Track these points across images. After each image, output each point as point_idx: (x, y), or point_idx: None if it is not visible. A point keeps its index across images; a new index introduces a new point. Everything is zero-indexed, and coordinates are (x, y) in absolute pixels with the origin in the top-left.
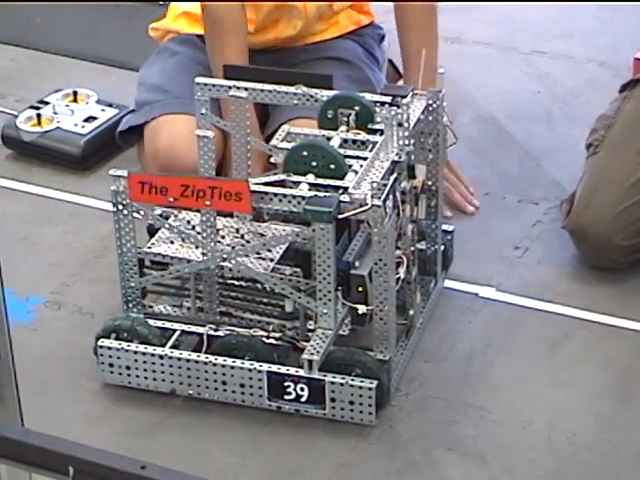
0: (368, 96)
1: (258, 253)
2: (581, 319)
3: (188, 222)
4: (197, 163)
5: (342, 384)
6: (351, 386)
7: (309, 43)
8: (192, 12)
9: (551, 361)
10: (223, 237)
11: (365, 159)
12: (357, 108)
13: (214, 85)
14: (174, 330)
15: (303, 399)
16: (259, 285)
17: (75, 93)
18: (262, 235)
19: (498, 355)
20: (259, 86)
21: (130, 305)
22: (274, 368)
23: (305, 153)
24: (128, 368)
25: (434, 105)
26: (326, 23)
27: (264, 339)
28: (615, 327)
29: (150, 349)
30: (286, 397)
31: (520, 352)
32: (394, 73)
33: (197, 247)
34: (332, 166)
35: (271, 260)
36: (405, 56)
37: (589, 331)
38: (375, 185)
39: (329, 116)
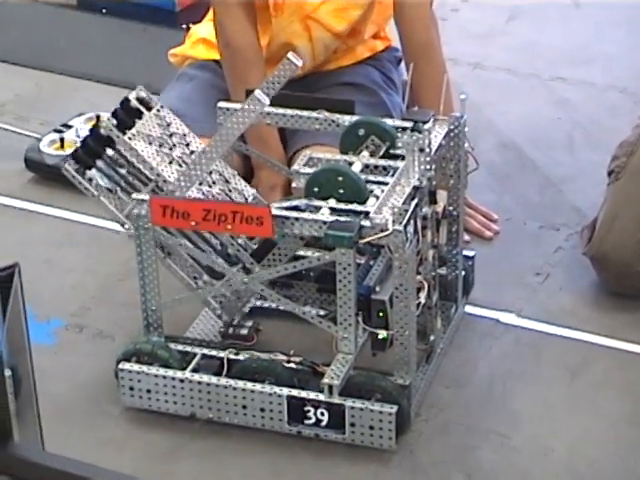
0: (390, 121)
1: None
2: (602, 346)
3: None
4: None
5: (362, 409)
6: (371, 411)
7: (324, 71)
8: (209, 39)
9: (572, 387)
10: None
11: (386, 184)
12: (379, 135)
13: (236, 109)
14: (195, 354)
15: (323, 424)
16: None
17: (98, 117)
18: (227, 181)
19: (519, 381)
20: (281, 111)
21: (151, 328)
22: (294, 392)
23: (327, 178)
24: (149, 392)
25: (455, 131)
26: (341, 53)
27: (284, 363)
28: (636, 354)
29: (170, 372)
30: (306, 422)
31: (541, 378)
32: None
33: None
34: (353, 191)
35: None
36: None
37: (610, 358)
38: (396, 210)
39: (352, 140)
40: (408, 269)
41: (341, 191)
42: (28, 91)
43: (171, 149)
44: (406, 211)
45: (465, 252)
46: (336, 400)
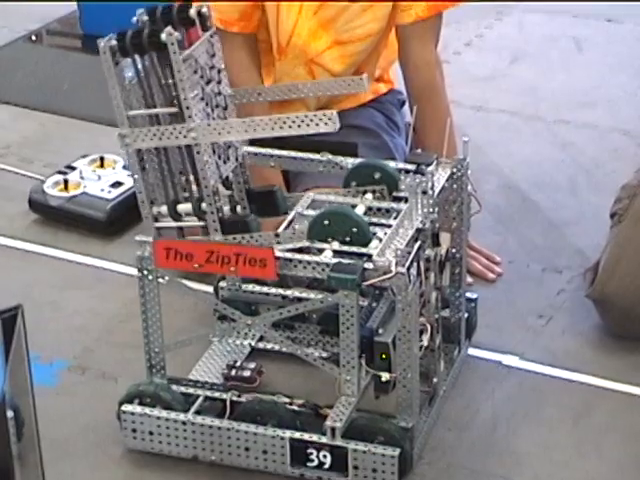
0: (393, 164)
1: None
2: (605, 389)
3: None
4: None
5: (365, 452)
6: (374, 454)
7: None
8: None
9: (575, 431)
10: None
11: (389, 227)
12: (381, 176)
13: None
14: (197, 396)
15: (326, 466)
16: None
17: (102, 158)
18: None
19: (522, 424)
20: (285, 153)
21: (154, 370)
22: (297, 435)
23: (329, 220)
24: (151, 434)
25: (458, 173)
26: (344, 95)
27: (287, 405)
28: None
29: (173, 415)
30: (309, 464)
31: (544, 421)
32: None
33: None
34: (356, 233)
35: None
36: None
37: (613, 401)
38: (399, 252)
39: (362, 179)
40: (411, 311)
41: (344, 233)
42: (32, 133)
43: (207, 83)
44: (409, 253)
45: (468, 294)
46: (339, 443)
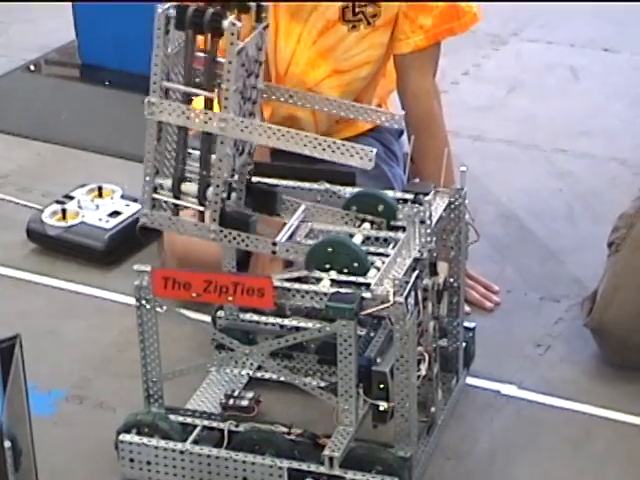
0: (391, 193)
1: None
2: (604, 418)
3: None
4: (214, 257)
5: None
6: None
7: None
8: None
9: (574, 460)
10: None
11: (387, 256)
12: (380, 206)
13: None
14: (195, 425)
15: None
16: None
17: (100, 188)
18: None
19: (520, 453)
20: (283, 182)
21: (152, 400)
22: (295, 464)
23: (327, 249)
24: (149, 463)
25: (456, 202)
26: (343, 124)
27: (285, 435)
28: (638, 426)
29: (171, 444)
30: None
31: (543, 451)
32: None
33: None
34: (354, 263)
35: None
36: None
37: (612, 430)
38: (397, 282)
39: (366, 208)
40: (409, 340)
41: (342, 263)
42: (30, 162)
43: (248, 77)
44: (407, 283)
45: (466, 323)
46: (337, 472)
